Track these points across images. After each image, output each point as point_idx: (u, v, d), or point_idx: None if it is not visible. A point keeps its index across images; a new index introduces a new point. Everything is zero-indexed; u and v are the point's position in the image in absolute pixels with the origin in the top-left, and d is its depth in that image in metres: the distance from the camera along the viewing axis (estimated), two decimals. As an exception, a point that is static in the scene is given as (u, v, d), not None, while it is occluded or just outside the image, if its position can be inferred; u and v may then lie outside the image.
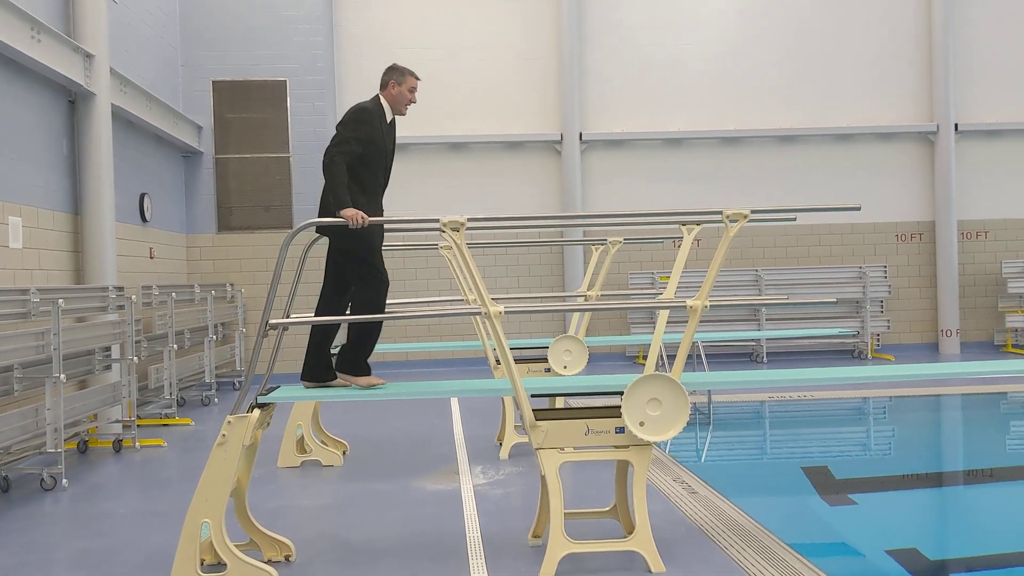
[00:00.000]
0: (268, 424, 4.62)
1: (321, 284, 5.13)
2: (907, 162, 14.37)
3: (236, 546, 4.30)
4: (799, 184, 14.14)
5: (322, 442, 7.39)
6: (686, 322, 4.25)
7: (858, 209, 4.17)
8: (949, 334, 14.02)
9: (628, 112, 14.13)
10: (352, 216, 4.65)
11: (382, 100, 5.16)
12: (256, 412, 4.34)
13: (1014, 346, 13.99)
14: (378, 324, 5.04)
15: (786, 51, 14.23)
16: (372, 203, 4.98)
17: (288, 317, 4.63)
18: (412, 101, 5.22)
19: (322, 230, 4.93)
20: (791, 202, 13.94)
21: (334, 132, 5.01)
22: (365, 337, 4.98)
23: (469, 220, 4.15)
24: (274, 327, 4.36)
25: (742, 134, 14.12)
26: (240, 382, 10.84)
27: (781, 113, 14.21)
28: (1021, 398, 10.28)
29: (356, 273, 4.97)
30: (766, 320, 13.87)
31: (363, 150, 4.94)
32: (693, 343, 9.82)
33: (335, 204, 4.75)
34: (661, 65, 14.17)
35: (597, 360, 14.04)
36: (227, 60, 12.97)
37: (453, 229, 4.13)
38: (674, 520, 5.20)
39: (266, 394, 4.50)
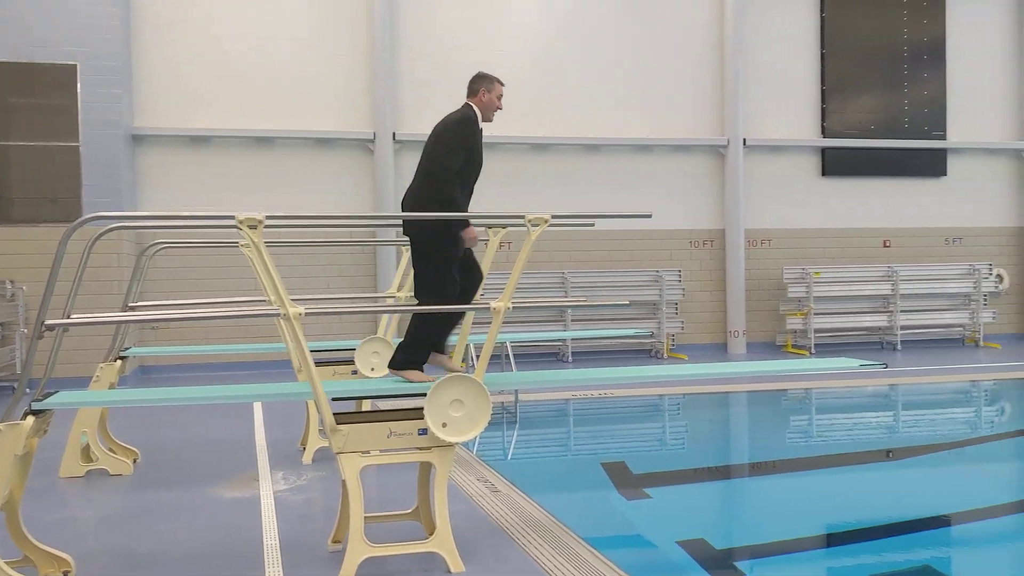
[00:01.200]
0: (45, 432, 4.28)
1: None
2: (701, 173, 15.27)
3: (8, 563, 3.96)
4: (604, 191, 14.72)
5: (110, 450, 6.93)
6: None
7: (649, 216, 4.39)
8: (736, 335, 15.02)
9: (443, 113, 14.17)
10: (473, 238, 4.87)
11: (474, 107, 5.25)
12: (31, 419, 4.01)
13: (793, 346, 15.18)
14: (435, 323, 5.04)
15: (592, 65, 14.77)
16: (464, 209, 5.07)
17: (68, 317, 4.31)
18: (499, 108, 5.34)
19: (409, 232, 5.02)
20: (597, 208, 14.48)
21: (435, 140, 5.10)
22: (422, 337, 5.05)
23: (268, 218, 4.01)
24: (51, 328, 4.04)
25: (551, 141, 14.52)
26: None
27: (587, 123, 14.73)
28: (799, 394, 11.15)
29: (431, 278, 4.99)
30: (572, 321, 14.34)
31: (467, 157, 5.03)
32: (501, 343, 10.04)
33: (454, 223, 4.83)
34: (474, 69, 14.30)
35: (407, 361, 13.98)
36: (9, 41, 11.93)
37: (250, 227, 3.97)
38: (476, 519, 5.26)
39: (42, 399, 4.16)
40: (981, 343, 15.60)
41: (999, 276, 16.07)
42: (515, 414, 9.21)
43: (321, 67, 13.83)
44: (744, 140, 15.06)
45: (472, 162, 5.11)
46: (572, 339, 14.03)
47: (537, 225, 4.20)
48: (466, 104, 5.31)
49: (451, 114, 5.25)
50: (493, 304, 4.18)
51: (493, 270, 4.86)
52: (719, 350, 15.13)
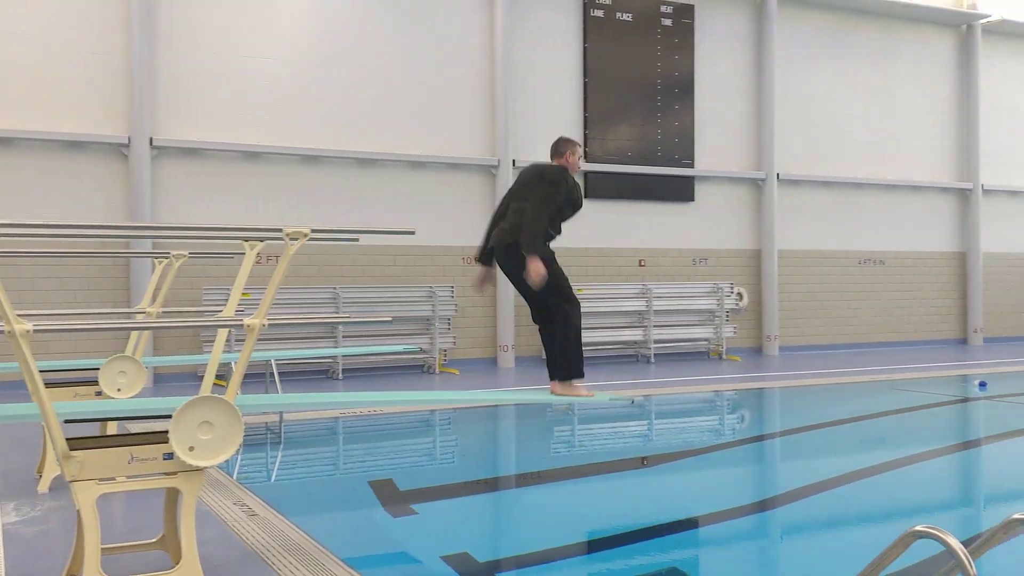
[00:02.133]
0: None
1: None
2: (474, 191, 15.58)
3: None
4: (377, 206, 14.66)
5: None
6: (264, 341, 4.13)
7: (412, 233, 4.40)
8: (506, 349, 15.41)
9: (207, 120, 13.59)
10: (535, 270, 6.00)
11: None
12: None
13: (558, 360, 15.77)
14: (579, 327, 6.09)
15: (367, 78, 14.70)
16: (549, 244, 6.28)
17: None
18: (579, 169, 6.69)
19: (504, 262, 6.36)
20: (370, 223, 14.40)
21: (537, 187, 6.21)
22: (578, 344, 6.12)
23: (-6, 226, 3.63)
24: None
25: (322, 153, 14.28)
26: None
27: (360, 136, 14.63)
28: (563, 405, 11.57)
29: (565, 286, 6.21)
30: (344, 337, 14.12)
31: (558, 207, 6.31)
32: (266, 361, 9.68)
33: (531, 247, 6.06)
34: (240, 75, 13.86)
35: (168, 381, 13.22)
36: None
37: (-32, 235, 3.58)
38: (230, 545, 5.02)
39: None
40: (724, 356, 16.95)
41: (739, 294, 17.55)
42: (279, 434, 8.92)
43: (75, 65, 12.82)
44: (514, 161, 15.53)
45: (566, 209, 6.50)
46: (343, 356, 13.81)
47: (296, 239, 4.08)
48: (556, 164, 6.60)
49: (550, 169, 6.49)
50: (247, 320, 4.01)
51: (257, 285, 4.66)
52: (490, 364, 15.45)
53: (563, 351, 6.03)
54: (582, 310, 6.60)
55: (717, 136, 17.59)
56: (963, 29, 20.14)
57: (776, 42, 17.82)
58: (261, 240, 4.41)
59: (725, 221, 17.76)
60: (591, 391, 6.01)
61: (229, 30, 13.84)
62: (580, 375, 6.04)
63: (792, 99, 18.23)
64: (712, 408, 12.13)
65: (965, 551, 2.52)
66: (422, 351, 14.56)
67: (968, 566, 2.48)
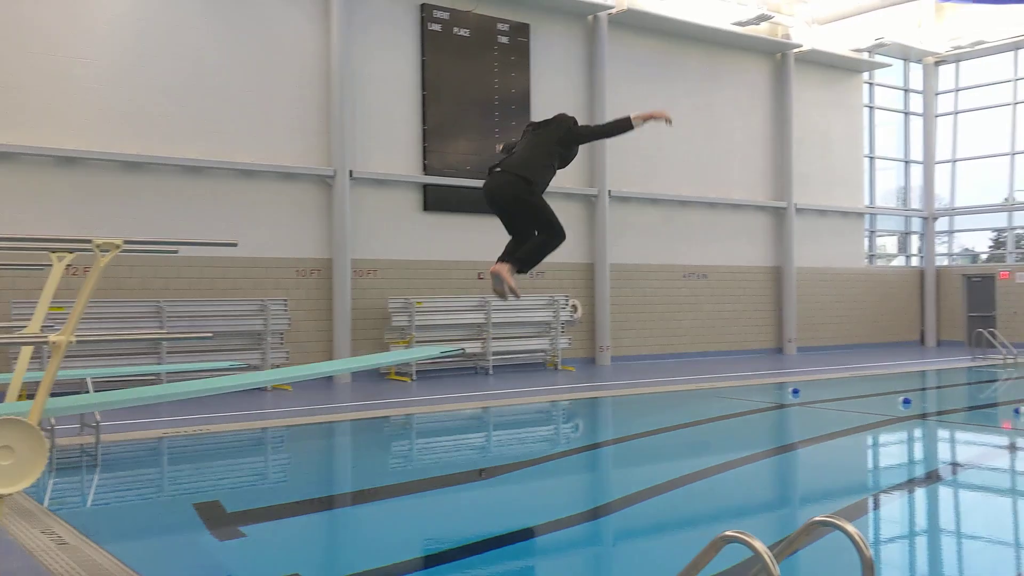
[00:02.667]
0: None
1: None
2: (308, 202, 15.24)
3: None
4: (206, 216, 14.08)
5: None
6: (82, 357, 3.83)
7: (235, 245, 4.23)
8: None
9: (20, 124, 12.65)
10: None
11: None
12: None
13: (396, 374, 15.64)
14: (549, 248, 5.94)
15: (188, 82, 14.11)
16: None
17: None
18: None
19: (522, 193, 5.90)
20: (198, 234, 13.80)
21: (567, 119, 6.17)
22: (538, 255, 5.96)
23: None
24: None
25: (145, 160, 13.58)
26: None
27: (186, 143, 14.02)
28: (400, 420, 11.47)
29: (553, 218, 5.95)
30: (168, 353, 13.45)
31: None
32: (83, 379, 9.06)
33: (621, 128, 6.08)
34: (57, 77, 13.00)
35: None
36: None
37: None
38: (36, 579, 4.65)
39: None
40: (559, 366, 17.32)
41: (574, 306, 17.99)
42: (96, 456, 8.36)
43: None
44: (351, 172, 15.31)
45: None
46: (167, 372, 13.12)
47: (107, 251, 3.83)
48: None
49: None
50: (52, 337, 3.73)
51: (73, 299, 4.35)
52: (325, 380, 15.10)
53: (528, 251, 5.98)
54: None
55: (552, 152, 17.94)
56: (778, 58, 21.54)
57: (608, 63, 18.44)
58: (70, 251, 4.12)
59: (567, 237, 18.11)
60: (514, 292, 5.74)
61: (46, 29, 12.95)
62: (523, 272, 6.02)
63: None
64: (548, 418, 12.34)
65: (770, 554, 2.65)
66: (250, 367, 14.03)
67: (772, 568, 2.61)
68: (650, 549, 5.72)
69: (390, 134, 16.05)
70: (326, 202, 15.34)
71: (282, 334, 14.65)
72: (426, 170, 16.31)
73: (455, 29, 16.72)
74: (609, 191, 18.45)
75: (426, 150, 16.33)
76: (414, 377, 15.36)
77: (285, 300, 14.66)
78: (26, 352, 4.14)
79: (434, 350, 6.21)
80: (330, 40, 15.24)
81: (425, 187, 16.35)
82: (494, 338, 16.57)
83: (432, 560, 5.48)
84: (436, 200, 16.45)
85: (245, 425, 10.56)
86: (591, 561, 5.62)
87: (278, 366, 14.58)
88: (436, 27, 16.49)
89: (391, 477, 8.26)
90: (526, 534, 6.05)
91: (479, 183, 18.58)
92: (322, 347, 15.25)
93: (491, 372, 16.40)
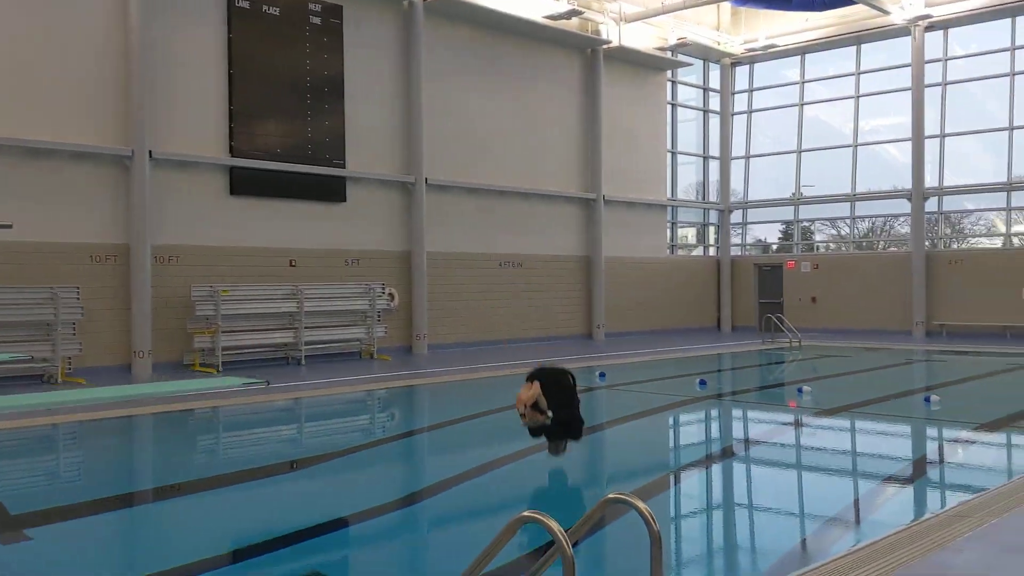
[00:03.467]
0: None
1: None
2: (102, 184, 14.30)
3: None
4: (-15, 196, 12.91)
5: None
6: None
7: (9, 227, 3.89)
8: (142, 355, 14.32)
9: None
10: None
11: None
12: None
13: (201, 365, 14.98)
14: None
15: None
16: None
17: None
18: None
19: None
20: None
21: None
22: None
23: None
24: None
25: (-87, 133, 12.29)
26: None
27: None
28: (206, 413, 11.00)
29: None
30: (-59, 346, 12.26)
31: None
32: None
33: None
34: None
35: None
36: None
37: None
38: None
39: None
40: (375, 355, 17.18)
41: (391, 295, 17.89)
42: None
43: None
44: (151, 152, 14.49)
45: None
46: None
47: None
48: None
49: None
50: None
51: None
52: (123, 372, 14.26)
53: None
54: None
55: (368, 138, 17.77)
56: (588, 53, 22.24)
57: (424, 51, 18.38)
58: None
59: (377, 223, 17.99)
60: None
61: None
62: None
63: (441, 107, 18.93)
64: (363, 408, 12.21)
65: (563, 532, 2.74)
66: (34, 359, 12.99)
67: (566, 547, 2.71)
68: (454, 534, 5.79)
69: (195, 114, 15.31)
70: (124, 184, 14.44)
71: (75, 324, 13.68)
72: (233, 152, 15.69)
73: (264, 7, 16.15)
74: (427, 179, 18.44)
75: (233, 131, 15.70)
76: (220, 369, 14.76)
77: (78, 288, 13.69)
78: None
79: (236, 380, 5.98)
80: (128, 14, 14.32)
81: (232, 169, 15.72)
82: (307, 327, 16.20)
83: (239, 555, 5.30)
84: (244, 183, 15.86)
85: (29, 422, 9.80)
86: (397, 550, 5.61)
87: (70, 358, 13.65)
88: (244, 3, 15.86)
89: (193, 472, 7.91)
90: (334, 525, 5.96)
91: (290, 166, 18.19)
92: (119, 338, 14.37)
93: (304, 363, 16.03)
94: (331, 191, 17.15)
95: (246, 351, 15.56)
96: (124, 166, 14.40)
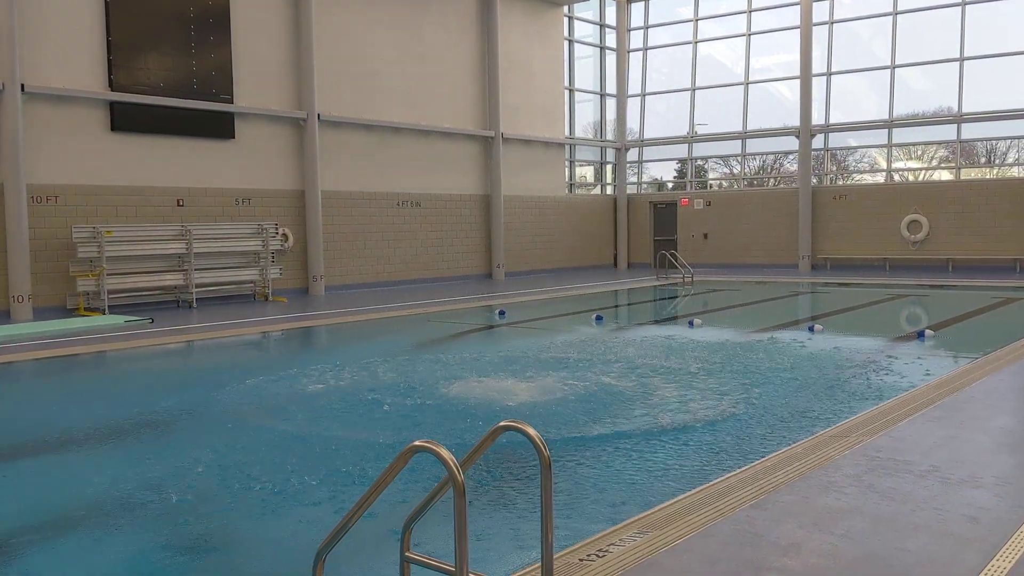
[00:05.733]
0: None
1: None
2: (-30, 119, 13.41)
3: None
4: None
5: None
6: None
7: None
8: (21, 300, 13.66)
9: None
10: None
11: None
12: None
13: (87, 308, 14.40)
14: None
15: None
16: None
17: None
18: None
19: None
20: None
21: None
22: None
23: None
24: None
25: None
26: None
27: None
28: (90, 359, 10.60)
29: None
30: None
31: None
32: None
33: None
34: None
35: None
36: None
37: None
38: None
39: None
40: (271, 297, 16.83)
41: (284, 235, 17.49)
42: None
43: None
44: (23, 86, 13.64)
45: None
46: None
47: None
48: None
49: None
50: None
51: None
52: (1, 317, 13.59)
53: None
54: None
55: (257, 73, 17.13)
56: (485, -12, 21.88)
57: (314, -19, 17.74)
58: None
59: (268, 160, 17.47)
60: None
61: None
62: None
63: (332, 40, 18.37)
64: (258, 350, 11.97)
65: (454, 459, 2.76)
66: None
67: (456, 474, 2.73)
68: (350, 462, 5.76)
69: (69, 44, 14.44)
70: (-7, 120, 13.58)
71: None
72: (113, 86, 14.91)
73: (142, -69, 15.24)
74: (319, 115, 17.95)
75: (112, 64, 14.90)
76: (106, 312, 14.21)
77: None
78: None
79: (118, 319, 5.56)
80: (-12, -68, 13.32)
81: (112, 104, 14.96)
82: (197, 269, 15.71)
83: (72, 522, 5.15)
84: (126, 119, 15.13)
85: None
86: (299, 485, 5.57)
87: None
88: (119, -73, 14.93)
89: (70, 422, 7.62)
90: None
91: (174, 101, 17.41)
92: (-5, 283, 13.67)
93: (195, 306, 15.58)
94: (219, 127, 16.53)
95: (134, 294, 15.01)
96: (-9, 100, 13.53)
